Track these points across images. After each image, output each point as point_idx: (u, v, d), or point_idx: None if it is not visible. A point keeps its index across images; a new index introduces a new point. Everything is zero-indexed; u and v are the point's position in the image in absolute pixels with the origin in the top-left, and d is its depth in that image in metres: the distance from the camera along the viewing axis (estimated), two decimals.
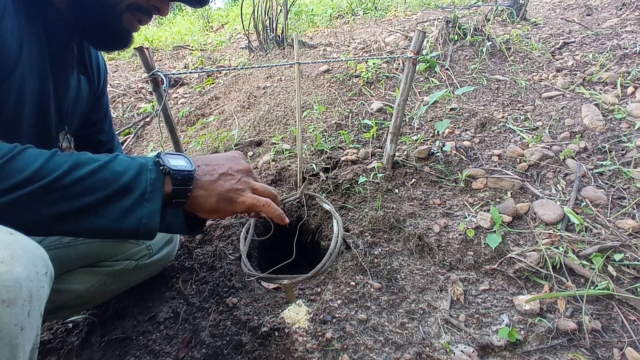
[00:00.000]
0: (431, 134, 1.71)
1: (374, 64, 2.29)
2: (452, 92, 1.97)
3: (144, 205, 0.56)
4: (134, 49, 1.06)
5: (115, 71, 3.60)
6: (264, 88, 2.32)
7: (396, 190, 1.40)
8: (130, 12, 0.72)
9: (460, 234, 1.19)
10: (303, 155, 1.63)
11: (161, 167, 0.59)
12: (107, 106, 1.03)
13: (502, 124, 1.69)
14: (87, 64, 0.85)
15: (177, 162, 0.60)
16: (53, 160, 0.51)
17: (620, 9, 2.91)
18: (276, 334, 0.96)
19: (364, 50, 2.66)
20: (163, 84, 1.11)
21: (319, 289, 1.11)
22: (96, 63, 0.91)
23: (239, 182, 0.66)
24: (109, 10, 0.69)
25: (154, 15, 0.76)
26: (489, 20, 2.74)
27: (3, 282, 0.40)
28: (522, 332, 0.93)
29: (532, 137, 1.56)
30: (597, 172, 1.33)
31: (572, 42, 2.39)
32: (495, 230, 1.17)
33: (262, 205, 0.67)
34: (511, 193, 1.31)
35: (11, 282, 0.40)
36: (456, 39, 2.38)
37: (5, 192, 0.47)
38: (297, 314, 1.01)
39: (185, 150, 1.90)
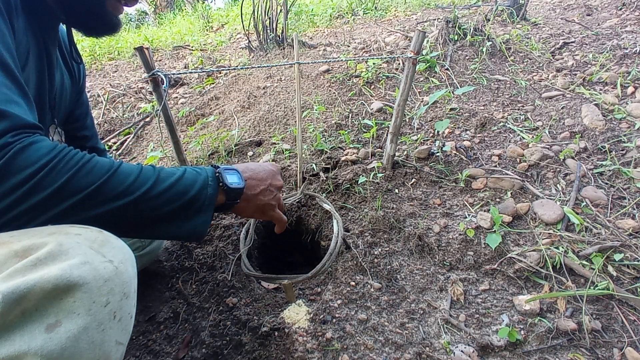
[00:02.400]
0: (431, 134, 1.71)
1: (374, 64, 2.29)
2: (452, 92, 1.97)
3: (200, 216, 0.64)
4: (134, 48, 1.06)
5: (115, 71, 3.60)
6: (264, 88, 2.32)
7: (396, 190, 1.40)
8: None
9: (460, 234, 1.19)
10: (303, 155, 1.63)
11: (220, 184, 0.68)
12: (87, 103, 1.05)
13: (502, 124, 1.69)
14: (70, 58, 0.86)
15: (232, 180, 0.70)
16: (143, 174, 0.59)
17: (620, 9, 2.91)
18: (276, 334, 0.96)
19: (364, 50, 2.66)
20: (163, 84, 1.11)
21: (319, 289, 1.11)
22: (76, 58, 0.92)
23: (274, 198, 0.79)
24: None
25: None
26: (489, 20, 2.74)
27: (123, 279, 0.48)
28: (522, 332, 0.93)
29: (532, 137, 1.56)
30: (597, 172, 1.33)
31: (572, 42, 2.39)
32: (495, 230, 1.17)
33: (280, 220, 0.83)
34: (511, 193, 1.31)
35: (127, 279, 0.49)
36: (456, 39, 2.38)
37: (107, 202, 0.54)
38: (297, 314, 1.01)
39: (185, 150, 1.90)
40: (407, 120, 1.84)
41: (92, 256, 0.46)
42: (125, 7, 0.77)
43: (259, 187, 0.76)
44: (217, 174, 0.68)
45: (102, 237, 0.51)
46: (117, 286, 0.47)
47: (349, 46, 2.83)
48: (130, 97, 2.83)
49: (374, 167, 1.48)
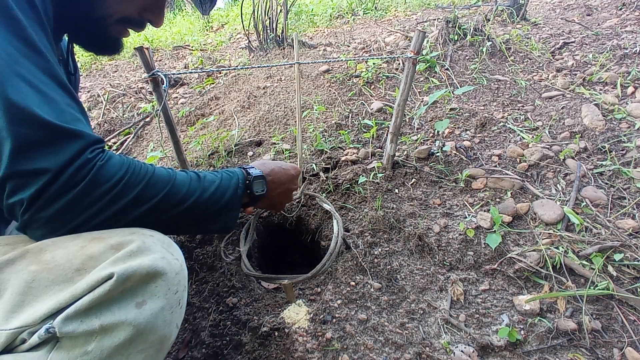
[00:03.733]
0: (431, 134, 1.71)
1: (374, 64, 2.29)
2: (452, 92, 1.97)
3: (231, 213, 0.76)
4: (134, 49, 1.06)
5: (115, 71, 3.60)
6: (264, 88, 2.32)
7: (396, 190, 1.40)
8: (121, 24, 0.74)
9: (460, 234, 1.19)
10: (303, 155, 1.63)
11: (248, 191, 0.80)
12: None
13: (502, 124, 1.69)
14: (66, 68, 0.86)
15: (257, 188, 0.82)
16: (192, 183, 0.68)
17: (620, 9, 2.91)
18: (276, 334, 0.96)
19: (364, 50, 2.66)
20: (163, 84, 1.11)
21: (319, 289, 1.11)
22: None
23: (287, 198, 0.94)
24: (97, 23, 0.71)
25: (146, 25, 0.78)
26: (489, 20, 2.74)
27: (185, 275, 0.59)
28: (522, 332, 0.93)
29: (532, 137, 1.56)
30: (597, 172, 1.33)
31: (572, 42, 2.39)
32: (495, 230, 1.17)
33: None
34: (511, 193, 1.31)
35: (186, 275, 0.60)
36: (456, 39, 2.38)
37: (169, 209, 0.64)
38: (297, 314, 1.01)
39: (185, 150, 1.90)
40: (407, 120, 1.84)
41: (166, 253, 0.56)
42: (129, 32, 0.78)
43: (277, 189, 0.89)
44: (247, 182, 0.80)
45: (167, 240, 0.61)
46: (182, 279, 0.58)
47: (349, 46, 2.83)
48: (130, 97, 2.83)
49: (374, 167, 1.48)
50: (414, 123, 1.80)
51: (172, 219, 0.65)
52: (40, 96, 0.50)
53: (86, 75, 3.57)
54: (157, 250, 0.55)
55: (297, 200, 1.41)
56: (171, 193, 0.64)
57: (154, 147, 2.11)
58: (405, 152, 1.58)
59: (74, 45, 0.82)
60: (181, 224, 0.69)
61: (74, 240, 0.55)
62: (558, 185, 1.32)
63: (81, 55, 3.79)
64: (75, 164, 0.52)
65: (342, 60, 1.79)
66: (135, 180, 0.59)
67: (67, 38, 0.83)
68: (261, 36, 2.94)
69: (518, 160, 1.45)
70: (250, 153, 1.77)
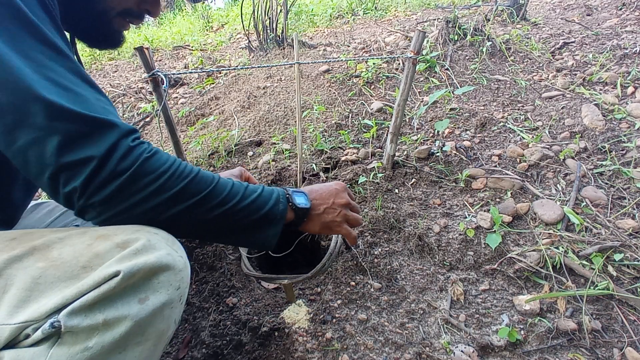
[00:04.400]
0: (431, 134, 1.71)
1: (374, 64, 2.29)
2: (452, 92, 1.97)
3: (271, 228, 0.73)
4: (134, 48, 1.06)
5: (115, 71, 3.60)
6: (264, 88, 2.32)
7: (396, 190, 1.40)
8: (121, 17, 0.75)
9: (460, 234, 1.19)
10: (303, 155, 1.63)
11: (290, 204, 0.77)
12: None
13: (502, 124, 1.69)
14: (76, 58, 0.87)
15: (299, 200, 0.80)
16: (234, 188, 0.68)
17: (620, 9, 2.91)
18: (276, 334, 0.96)
19: (364, 50, 2.66)
20: (163, 84, 1.11)
21: (319, 289, 1.11)
22: None
23: (339, 215, 0.86)
24: (100, 16, 0.72)
25: (145, 16, 0.79)
26: (489, 20, 2.74)
27: (188, 272, 0.60)
28: (522, 332, 0.93)
29: (532, 137, 1.56)
30: (597, 172, 1.33)
31: (572, 42, 2.39)
32: (495, 230, 1.17)
33: (348, 235, 0.89)
34: (511, 193, 1.31)
35: (189, 272, 0.61)
36: (456, 39, 2.38)
37: (210, 210, 0.64)
38: (297, 314, 1.01)
39: (185, 150, 1.90)
40: (407, 120, 1.84)
41: (170, 250, 0.58)
42: (130, 25, 0.79)
43: (322, 206, 0.84)
44: (287, 195, 0.78)
45: (171, 237, 0.61)
46: (185, 276, 0.59)
47: (349, 46, 2.83)
48: (130, 97, 2.83)
49: (374, 167, 1.48)
50: (414, 123, 1.80)
51: (210, 221, 0.65)
52: (71, 94, 0.54)
53: None
54: (162, 248, 0.56)
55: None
56: (213, 194, 0.64)
57: None
58: (405, 152, 1.58)
59: (76, 42, 0.83)
60: (220, 229, 0.68)
61: (81, 237, 0.57)
62: (558, 185, 1.32)
63: (81, 55, 3.78)
64: (118, 151, 0.55)
65: (342, 60, 1.79)
66: (180, 175, 0.61)
67: (68, 36, 0.84)
68: (261, 36, 2.94)
69: (518, 160, 1.45)
70: (250, 153, 1.77)
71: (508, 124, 1.69)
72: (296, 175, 1.47)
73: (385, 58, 2.34)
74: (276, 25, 2.85)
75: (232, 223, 0.68)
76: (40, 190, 1.80)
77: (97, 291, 0.50)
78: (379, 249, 1.18)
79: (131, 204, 0.58)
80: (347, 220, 0.89)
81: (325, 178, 1.47)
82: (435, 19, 3.16)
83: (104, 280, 0.50)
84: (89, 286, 0.50)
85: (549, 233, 1.14)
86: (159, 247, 0.56)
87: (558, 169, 1.38)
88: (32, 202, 0.97)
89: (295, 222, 0.80)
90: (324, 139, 1.74)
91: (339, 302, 1.03)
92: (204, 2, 5.36)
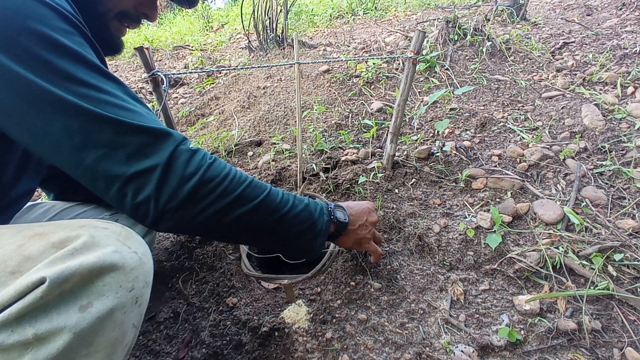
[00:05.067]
0: (431, 134, 1.71)
1: (374, 64, 2.29)
2: (452, 92, 1.97)
3: (318, 238, 0.78)
4: (134, 48, 1.06)
5: (115, 71, 3.60)
6: (264, 88, 2.32)
7: (396, 190, 1.40)
8: (118, 20, 0.76)
9: (460, 234, 1.19)
10: (303, 155, 1.63)
11: (332, 217, 0.83)
12: None
13: (502, 124, 1.69)
14: None
15: (340, 215, 0.86)
16: (284, 197, 0.72)
17: (620, 9, 2.91)
18: (276, 334, 0.96)
19: (364, 50, 2.66)
20: (163, 84, 1.11)
21: (319, 289, 1.11)
22: None
23: (369, 232, 0.94)
24: (98, 20, 0.72)
25: (142, 20, 0.79)
26: (489, 20, 2.74)
27: (145, 269, 0.56)
28: (522, 332, 0.93)
29: (532, 137, 1.56)
30: (597, 172, 1.33)
31: (572, 42, 2.39)
32: (495, 230, 1.17)
33: (375, 252, 0.99)
34: (511, 193, 1.31)
35: (148, 269, 0.57)
36: (456, 39, 2.38)
37: (266, 214, 0.68)
38: (297, 314, 1.01)
39: None
40: (407, 120, 1.84)
41: (120, 246, 0.53)
42: (126, 29, 0.79)
43: (357, 222, 0.90)
44: (329, 208, 0.83)
45: (125, 232, 0.57)
46: (140, 274, 0.54)
47: (349, 46, 2.83)
48: None
49: (374, 167, 1.48)
50: (414, 123, 1.80)
51: (267, 226, 0.69)
52: (127, 111, 0.57)
53: None
54: (107, 244, 0.52)
55: None
56: (268, 199, 0.68)
57: None
58: (405, 152, 1.58)
59: None
60: (275, 234, 0.71)
61: (13, 237, 0.52)
62: (558, 185, 1.32)
63: None
64: (181, 158, 0.59)
65: (342, 60, 1.79)
66: (239, 180, 0.65)
67: None
68: (261, 36, 2.94)
69: (518, 160, 1.45)
70: (250, 153, 1.77)
71: (508, 124, 1.69)
72: (296, 175, 1.47)
73: (385, 58, 2.34)
74: (276, 25, 2.85)
75: (285, 228, 0.72)
76: (39, 190, 1.80)
77: (22, 303, 0.44)
78: (379, 249, 1.18)
79: (203, 207, 0.60)
80: (374, 238, 0.96)
81: (325, 178, 1.47)
82: (435, 19, 3.16)
83: (28, 290, 0.44)
84: (11, 297, 0.44)
85: (549, 233, 1.14)
86: (104, 244, 0.51)
87: (558, 169, 1.38)
88: (29, 203, 0.97)
89: (334, 234, 0.85)
90: (324, 139, 1.74)
91: (339, 302, 1.03)
92: (204, 2, 5.36)
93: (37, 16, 0.52)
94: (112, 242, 0.53)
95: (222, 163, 0.65)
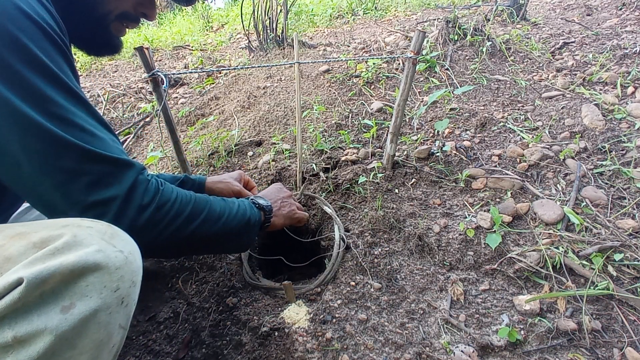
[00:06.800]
0: (431, 134, 1.71)
1: (374, 64, 2.29)
2: (452, 92, 1.97)
3: (254, 229, 0.87)
4: (134, 48, 1.06)
5: (115, 71, 3.60)
6: (264, 88, 2.32)
7: (396, 190, 1.40)
8: (119, 21, 0.76)
9: (460, 234, 1.19)
10: (303, 155, 1.63)
11: (257, 206, 0.92)
12: None
13: (502, 124, 1.69)
14: None
15: (262, 202, 0.94)
16: (224, 205, 0.81)
17: (620, 9, 2.91)
18: (276, 334, 0.96)
19: (364, 50, 2.66)
20: (163, 84, 1.11)
21: (319, 289, 1.11)
22: None
23: (290, 205, 1.06)
24: (99, 21, 0.73)
25: (141, 20, 0.81)
26: (489, 20, 2.74)
27: (132, 268, 0.54)
28: (522, 332, 0.93)
29: (532, 137, 1.56)
30: (597, 172, 1.33)
31: (572, 42, 2.39)
32: (495, 230, 1.17)
33: (303, 217, 1.11)
34: (511, 193, 1.31)
35: (135, 268, 0.55)
36: (456, 39, 2.38)
37: (211, 223, 0.75)
38: (297, 314, 1.01)
39: (185, 150, 1.90)
40: (407, 120, 1.84)
41: (104, 246, 0.51)
42: (126, 29, 0.80)
43: (277, 202, 1.03)
44: (252, 201, 0.91)
45: (111, 230, 0.56)
46: (126, 274, 0.53)
47: (349, 46, 2.83)
48: (130, 97, 2.83)
49: (374, 167, 1.48)
50: (414, 123, 1.80)
51: (215, 233, 0.75)
52: (95, 138, 0.59)
53: (86, 75, 3.57)
54: (91, 243, 0.50)
55: (297, 200, 1.41)
56: (211, 210, 0.75)
57: (154, 147, 2.11)
58: (405, 152, 1.58)
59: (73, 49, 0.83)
60: (221, 239, 0.79)
61: None
62: (558, 185, 1.32)
63: (81, 55, 3.79)
64: (140, 188, 0.62)
65: (342, 60, 1.79)
66: (186, 199, 0.71)
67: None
68: (261, 36, 2.94)
69: (518, 160, 1.45)
70: (250, 153, 1.77)
71: (508, 124, 1.68)
72: (296, 175, 1.47)
73: (385, 58, 2.34)
74: (276, 25, 2.85)
75: (229, 231, 0.79)
76: None
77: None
78: (379, 249, 1.18)
79: (160, 229, 0.65)
80: (298, 208, 1.09)
81: (325, 178, 1.47)
82: (435, 19, 3.16)
83: (5, 291, 0.43)
84: None
85: (549, 233, 1.14)
86: (87, 243, 0.50)
87: (558, 169, 1.38)
88: (26, 205, 0.96)
89: (266, 220, 0.94)
90: (324, 139, 1.74)
91: (339, 302, 1.03)
92: (203, 2, 5.36)
93: (19, 29, 0.52)
94: (96, 241, 0.51)
95: (168, 187, 0.69)
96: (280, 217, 1.01)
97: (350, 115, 1.91)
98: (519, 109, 1.80)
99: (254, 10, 2.82)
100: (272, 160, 1.64)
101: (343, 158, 1.57)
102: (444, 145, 1.55)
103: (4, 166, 0.54)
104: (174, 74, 1.52)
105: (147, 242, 0.62)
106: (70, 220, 0.55)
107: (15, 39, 0.51)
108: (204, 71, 1.26)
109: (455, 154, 1.53)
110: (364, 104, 2.00)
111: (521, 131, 1.62)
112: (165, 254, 0.74)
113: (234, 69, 1.31)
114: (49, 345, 0.44)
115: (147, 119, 2.49)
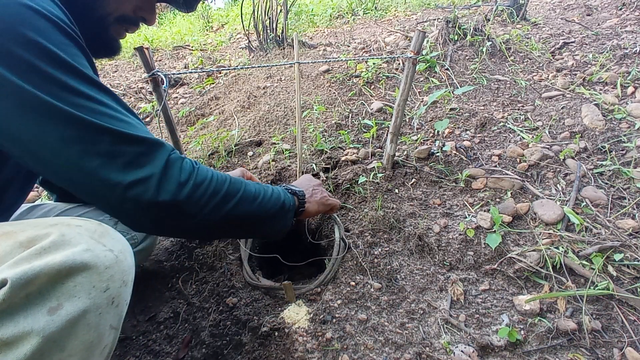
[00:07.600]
0: (431, 134, 1.71)
1: (374, 64, 2.29)
2: (452, 92, 1.97)
3: (290, 213, 0.87)
4: (134, 48, 1.06)
5: (115, 71, 3.60)
6: (264, 88, 2.32)
7: (396, 190, 1.40)
8: (119, 23, 0.76)
9: (460, 234, 1.19)
10: (303, 155, 1.63)
11: (291, 192, 0.92)
12: None
13: (502, 124, 1.69)
14: None
15: (295, 188, 0.95)
16: (258, 187, 0.79)
17: (620, 9, 2.91)
18: (276, 334, 0.96)
19: (364, 50, 2.66)
20: (163, 84, 1.11)
21: (319, 289, 1.11)
22: None
23: (322, 192, 1.05)
24: (98, 23, 0.73)
25: (141, 24, 0.80)
26: (489, 20, 2.74)
27: (123, 268, 0.53)
28: (522, 332, 0.93)
29: (532, 137, 1.56)
30: (597, 172, 1.33)
31: (572, 42, 2.39)
32: (495, 230, 1.17)
33: (336, 204, 1.09)
34: (511, 193, 1.31)
35: (126, 267, 0.54)
36: (456, 39, 2.38)
37: (247, 203, 0.74)
38: (297, 314, 1.01)
39: (185, 150, 1.90)
40: (407, 120, 1.84)
41: (93, 245, 0.50)
42: (126, 33, 0.80)
43: (309, 189, 1.02)
44: (284, 187, 0.92)
45: (101, 229, 0.55)
46: (116, 274, 0.51)
47: (349, 46, 2.83)
48: (130, 97, 2.83)
49: (374, 167, 1.48)
50: (414, 123, 1.80)
51: (251, 214, 0.75)
52: (122, 122, 0.59)
53: None
54: (79, 243, 0.49)
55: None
56: (247, 191, 0.74)
57: None
58: (405, 152, 1.58)
59: None
60: (257, 221, 0.77)
61: None
62: (558, 185, 1.32)
63: None
64: (175, 166, 0.62)
65: (342, 60, 1.80)
66: (222, 179, 0.70)
67: None
68: (261, 36, 2.94)
69: (518, 160, 1.45)
70: (250, 153, 1.77)
71: (508, 124, 1.69)
72: (296, 175, 1.47)
73: (385, 58, 2.34)
74: (276, 25, 2.85)
75: (264, 213, 0.78)
76: (41, 189, 1.80)
77: None
78: (379, 249, 1.18)
79: (199, 207, 0.64)
80: (328, 196, 1.08)
81: (325, 178, 1.47)
82: (435, 19, 3.16)
83: None
84: None
85: (549, 233, 1.14)
86: (75, 242, 0.49)
87: (558, 169, 1.38)
88: (30, 204, 0.96)
89: (300, 206, 0.94)
90: (324, 139, 1.74)
91: (339, 302, 1.03)
92: (204, 2, 5.36)
93: (33, 27, 0.52)
94: (84, 240, 0.50)
95: (205, 167, 0.69)
96: (313, 204, 1.00)
97: (350, 115, 1.91)
98: (519, 109, 1.80)
99: (254, 10, 2.82)
100: (272, 160, 1.64)
101: (343, 158, 1.57)
102: (444, 145, 1.55)
103: (43, 159, 0.54)
104: (174, 74, 1.53)
105: (187, 219, 0.62)
106: (59, 219, 0.54)
107: (29, 38, 0.52)
108: (204, 71, 1.26)
109: (455, 154, 1.53)
110: (364, 104, 2.00)
111: (521, 131, 1.62)
112: (206, 232, 0.72)
113: (234, 69, 1.31)
114: (36, 348, 0.43)
115: (147, 119, 2.49)
